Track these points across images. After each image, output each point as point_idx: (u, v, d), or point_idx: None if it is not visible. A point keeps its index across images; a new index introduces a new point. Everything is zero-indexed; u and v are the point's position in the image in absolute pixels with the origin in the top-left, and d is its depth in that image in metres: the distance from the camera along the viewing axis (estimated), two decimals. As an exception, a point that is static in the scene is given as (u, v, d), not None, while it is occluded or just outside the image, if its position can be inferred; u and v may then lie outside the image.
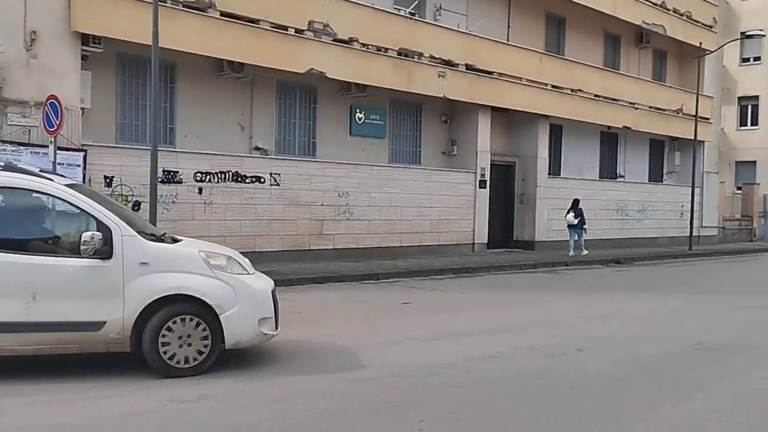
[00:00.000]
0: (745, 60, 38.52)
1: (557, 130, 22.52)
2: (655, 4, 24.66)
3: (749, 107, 38.91)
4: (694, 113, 24.67)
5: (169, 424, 5.00)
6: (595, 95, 22.61)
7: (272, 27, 14.97)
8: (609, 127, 24.09)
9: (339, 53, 16.12)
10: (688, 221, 24.76)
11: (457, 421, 5.16)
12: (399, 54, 17.26)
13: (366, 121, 17.86)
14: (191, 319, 6.14)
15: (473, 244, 19.36)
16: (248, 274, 6.67)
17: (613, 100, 23.33)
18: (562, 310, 10.77)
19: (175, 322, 6.08)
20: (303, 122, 16.88)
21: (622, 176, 25.43)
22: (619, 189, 24.50)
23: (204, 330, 6.18)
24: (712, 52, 26.58)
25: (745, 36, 28.04)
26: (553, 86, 21.12)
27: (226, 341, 6.28)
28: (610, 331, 9.18)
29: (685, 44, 26.38)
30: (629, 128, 24.30)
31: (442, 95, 18.25)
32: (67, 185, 6.28)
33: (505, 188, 21.22)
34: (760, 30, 27.47)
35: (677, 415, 5.49)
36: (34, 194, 6.08)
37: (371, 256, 16.70)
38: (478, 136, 19.37)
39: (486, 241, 19.74)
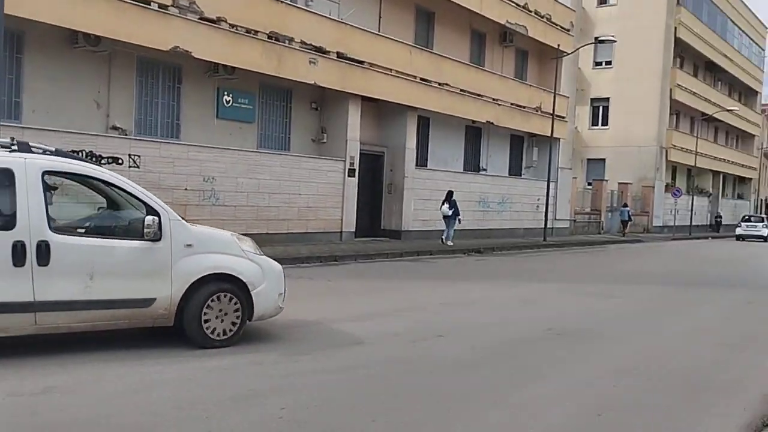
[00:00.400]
0: (598, 63, 41.28)
1: (425, 122, 23.03)
2: (519, 5, 25.76)
3: (600, 108, 41.78)
4: (552, 112, 26.08)
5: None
6: (461, 90, 23.32)
7: (133, 0, 14.17)
8: (473, 122, 24.95)
9: (206, 32, 15.56)
10: (543, 214, 26.21)
11: (319, 407, 5.13)
12: (269, 37, 16.92)
13: (234, 104, 17.39)
14: (226, 295, 6.73)
15: (341, 232, 19.42)
16: (261, 255, 7.25)
17: (478, 95, 24.17)
18: (425, 297, 11.03)
19: (213, 300, 6.66)
20: (166, 102, 16.16)
21: (484, 169, 26.44)
22: (481, 181, 25.46)
23: (236, 305, 6.80)
24: (569, 54, 28.18)
25: (598, 41, 29.90)
26: (421, 79, 21.55)
27: (254, 314, 6.96)
28: (469, 317, 9.51)
29: (545, 45, 27.76)
30: (492, 123, 25.29)
31: (312, 82, 18.10)
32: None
33: (373, 177, 21.43)
34: (612, 36, 29.44)
35: (527, 398, 5.76)
36: (88, 179, 6.43)
37: (237, 243, 16.30)
38: (348, 125, 19.41)
39: (354, 229, 19.87)
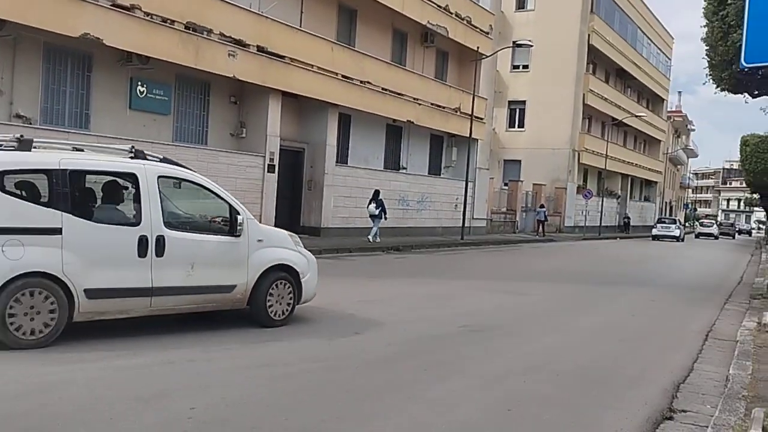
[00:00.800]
0: (515, 67, 42.32)
1: (346, 119, 22.99)
2: (440, 7, 26.08)
3: (517, 110, 42.88)
4: (470, 113, 26.55)
5: None
6: (383, 88, 23.41)
7: (41, -17, 13.50)
8: (394, 120, 25.10)
9: (119, 20, 14.98)
10: (462, 213, 26.67)
11: (231, 406, 5.02)
12: (187, 28, 16.47)
13: (148, 95, 16.83)
14: (283, 282, 7.98)
15: (259, 228, 19.11)
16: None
17: (399, 94, 24.33)
18: (343, 295, 10.99)
19: (274, 286, 7.88)
20: (75, 91, 15.48)
21: (404, 168, 26.64)
22: (401, 180, 25.65)
23: (290, 290, 8.08)
24: (488, 56, 28.75)
25: (516, 45, 30.67)
26: (343, 76, 21.50)
27: (302, 298, 8.25)
28: (387, 314, 9.53)
29: (465, 47, 28.22)
30: (412, 123, 25.52)
31: (232, 75, 17.75)
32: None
33: (293, 174, 21.23)
34: (529, 40, 30.24)
35: (443, 393, 5.83)
36: (185, 183, 7.47)
37: (150, 239, 15.80)
38: (268, 120, 19.14)
39: (273, 225, 19.56)
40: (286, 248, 8.23)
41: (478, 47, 27.72)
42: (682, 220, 51.66)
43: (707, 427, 5.22)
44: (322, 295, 10.83)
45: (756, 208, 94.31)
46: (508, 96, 42.04)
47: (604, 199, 45.35)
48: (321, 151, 21.44)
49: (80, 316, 6.49)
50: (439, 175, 28.92)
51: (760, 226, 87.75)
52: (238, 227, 7.52)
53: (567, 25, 40.53)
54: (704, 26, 15.06)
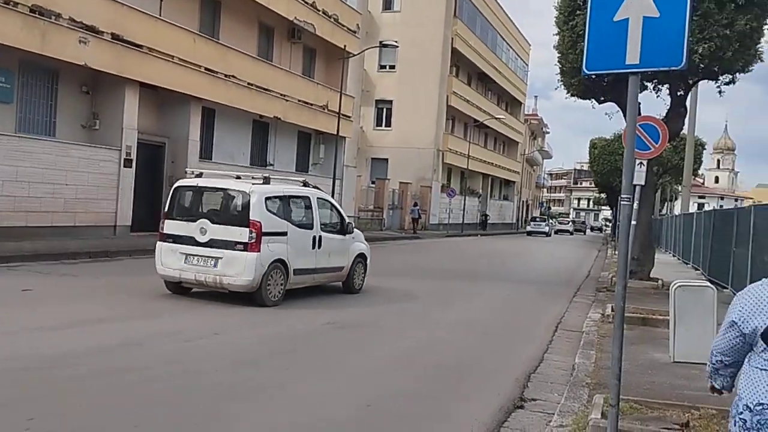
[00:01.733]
0: (383, 67, 42.92)
1: (210, 113, 22.30)
2: (307, 3, 25.90)
3: (384, 110, 43.52)
4: (338, 111, 26.61)
5: None
6: (249, 83, 22.93)
7: None
8: (261, 116, 24.67)
9: (-47, -2, 13.66)
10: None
11: (74, 416, 4.69)
12: (32, 11, 15.27)
13: (-12, 82, 15.49)
14: (360, 264, 12.12)
15: (115, 226, 18.15)
16: None
17: (266, 90, 23.93)
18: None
19: (357, 267, 12.02)
20: None
21: (271, 165, 26.25)
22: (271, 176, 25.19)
23: (363, 270, 12.27)
24: (355, 55, 28.95)
25: (382, 45, 31.10)
26: (207, 69, 20.82)
27: (366, 276, 12.38)
28: (251, 314, 9.33)
29: (333, 45, 28.23)
30: (279, 119, 25.20)
31: (83, 63, 16.66)
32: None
33: (153, 169, 20.28)
34: (395, 41, 30.77)
35: (306, 392, 5.78)
36: (313, 199, 11.08)
37: (-10, 238, 14.57)
38: (124, 112, 18.15)
39: (130, 223, 18.66)
40: (362, 242, 12.36)
41: (345, 45, 27.81)
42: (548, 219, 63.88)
43: (554, 414, 5.51)
44: (177, 297, 10.45)
45: (603, 207, 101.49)
46: (375, 95, 42.57)
47: (467, 197, 47.06)
48: (183, 146, 20.64)
49: (288, 286, 10.22)
50: (307, 172, 28.72)
51: (607, 223, 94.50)
52: (348, 229, 11.73)
53: (431, 28, 41.60)
54: (556, 35, 15.87)
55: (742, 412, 2.82)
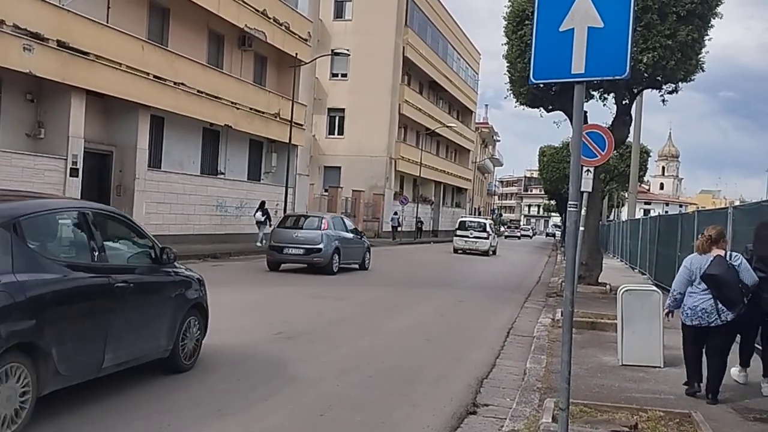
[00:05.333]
0: (334, 75, 42.90)
1: (159, 121, 21.93)
2: (257, 11, 25.72)
3: (337, 118, 43.49)
4: (290, 119, 26.48)
5: None
6: (198, 91, 22.63)
7: None
8: (211, 124, 24.37)
9: None
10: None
11: None
12: (-28, 16, 14.83)
13: (-75, 89, 14.94)
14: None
15: (60, 237, 17.64)
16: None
17: (216, 97, 23.65)
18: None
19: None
20: None
21: (222, 173, 25.95)
22: (219, 185, 24.97)
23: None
24: (307, 63, 28.89)
25: (334, 53, 31.10)
26: (155, 76, 20.47)
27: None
28: (200, 325, 9.17)
29: (284, 53, 28.10)
30: (230, 127, 24.93)
31: (27, 71, 16.19)
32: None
33: (100, 178, 19.85)
34: (347, 49, 30.81)
35: (253, 402, 5.69)
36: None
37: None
38: (70, 120, 17.70)
39: (76, 234, 18.17)
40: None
41: (296, 53, 27.73)
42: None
43: (506, 419, 5.57)
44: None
45: (553, 214, 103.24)
46: (327, 103, 42.49)
47: (419, 205, 47.26)
48: (131, 155, 20.25)
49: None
50: (259, 180, 28.52)
51: (557, 230, 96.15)
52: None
53: (383, 36, 41.78)
54: (505, 44, 16.12)
55: (686, 310, 6.53)
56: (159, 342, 6.12)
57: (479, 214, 75.74)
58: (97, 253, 5.35)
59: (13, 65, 15.81)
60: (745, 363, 6.98)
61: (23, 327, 4.44)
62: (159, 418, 5.14)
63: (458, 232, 34.09)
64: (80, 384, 5.16)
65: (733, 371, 7.01)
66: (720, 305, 6.21)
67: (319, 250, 17.28)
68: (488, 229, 34.32)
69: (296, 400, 5.86)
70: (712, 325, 6.27)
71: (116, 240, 6.04)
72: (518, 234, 79.49)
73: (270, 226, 23.70)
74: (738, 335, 6.76)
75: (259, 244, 23.99)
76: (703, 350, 6.52)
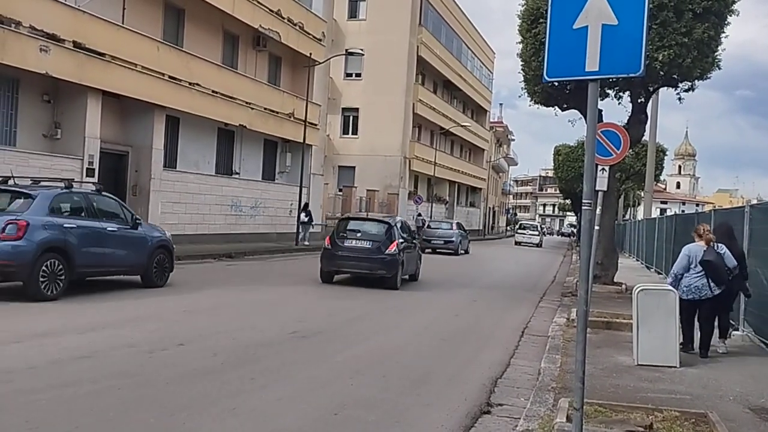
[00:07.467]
0: (348, 75, 42.90)
1: (174, 122, 22.07)
2: (272, 11, 25.81)
3: (351, 117, 43.48)
4: (304, 118, 26.54)
5: None
6: (213, 91, 22.74)
7: None
8: (226, 124, 24.48)
9: None
10: (296, 218, 26.56)
11: (33, 430, 4.59)
12: (-9, 18, 14.98)
13: (-56, 90, 15.14)
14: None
15: (77, 237, 17.79)
16: None
17: (231, 97, 23.76)
18: (166, 305, 10.51)
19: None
20: None
21: (237, 173, 26.07)
22: (234, 185, 25.08)
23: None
24: (321, 63, 28.92)
25: (348, 53, 31.12)
26: (170, 77, 20.59)
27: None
28: (214, 323, 9.24)
29: (298, 53, 28.17)
30: (245, 127, 25.04)
31: (44, 72, 16.37)
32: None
33: (116, 178, 19.99)
34: (361, 49, 30.81)
35: (268, 401, 5.71)
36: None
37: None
38: (86, 121, 17.87)
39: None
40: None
41: (311, 53, 27.78)
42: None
43: (520, 418, 5.55)
44: (140, 307, 10.30)
45: (569, 213, 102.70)
46: (341, 103, 42.50)
47: (434, 204, 47.18)
48: (147, 155, 20.39)
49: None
50: (274, 180, 28.62)
51: (573, 229, 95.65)
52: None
53: (397, 36, 41.73)
54: (519, 43, 16.06)
55: (683, 288, 8.23)
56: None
57: (494, 214, 75.55)
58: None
59: (30, 66, 15.99)
60: (723, 335, 8.79)
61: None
62: (174, 416, 5.17)
63: (518, 231, 51.22)
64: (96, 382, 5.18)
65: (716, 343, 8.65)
66: (711, 283, 8.16)
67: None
68: (538, 229, 52.28)
69: (311, 400, 5.87)
70: (704, 298, 8.22)
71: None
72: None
73: (313, 226, 26.55)
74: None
75: (306, 243, 26.13)
76: (695, 318, 8.42)
